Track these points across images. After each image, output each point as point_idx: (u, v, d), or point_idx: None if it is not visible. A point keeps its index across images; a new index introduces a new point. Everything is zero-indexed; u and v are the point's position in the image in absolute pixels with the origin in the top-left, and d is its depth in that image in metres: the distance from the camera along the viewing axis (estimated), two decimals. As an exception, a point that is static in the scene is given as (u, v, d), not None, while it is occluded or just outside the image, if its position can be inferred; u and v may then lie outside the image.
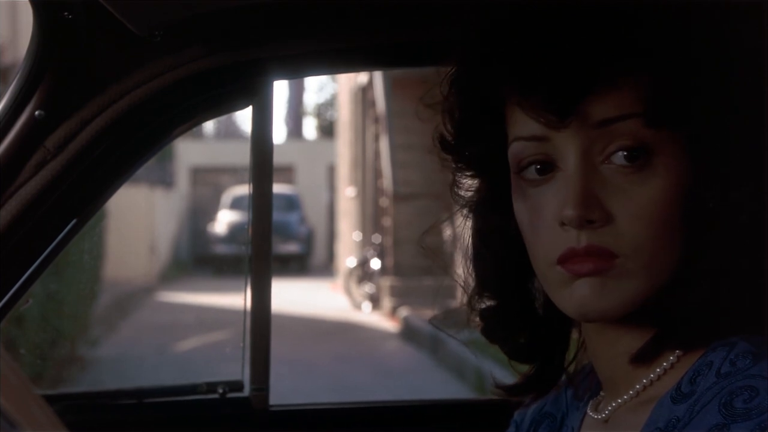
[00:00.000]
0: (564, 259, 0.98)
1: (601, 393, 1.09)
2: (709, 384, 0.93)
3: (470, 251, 1.12)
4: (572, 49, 0.96)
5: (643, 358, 1.00)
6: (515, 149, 1.01)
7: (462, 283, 1.14)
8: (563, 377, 1.15)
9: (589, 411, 1.09)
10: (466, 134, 1.06)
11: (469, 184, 1.12)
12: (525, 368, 1.15)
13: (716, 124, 0.97)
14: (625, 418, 1.02)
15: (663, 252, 0.97)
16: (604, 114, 0.96)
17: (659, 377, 1.00)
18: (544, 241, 0.99)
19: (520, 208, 1.02)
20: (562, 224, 0.97)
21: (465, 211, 1.13)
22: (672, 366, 0.99)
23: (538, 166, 1.00)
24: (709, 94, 0.97)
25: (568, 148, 0.98)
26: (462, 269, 1.14)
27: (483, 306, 1.12)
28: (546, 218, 0.99)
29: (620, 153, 0.97)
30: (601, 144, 0.97)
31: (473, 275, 1.12)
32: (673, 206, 0.96)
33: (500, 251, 1.08)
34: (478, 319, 1.13)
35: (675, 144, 0.96)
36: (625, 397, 1.02)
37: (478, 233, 1.12)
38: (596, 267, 0.96)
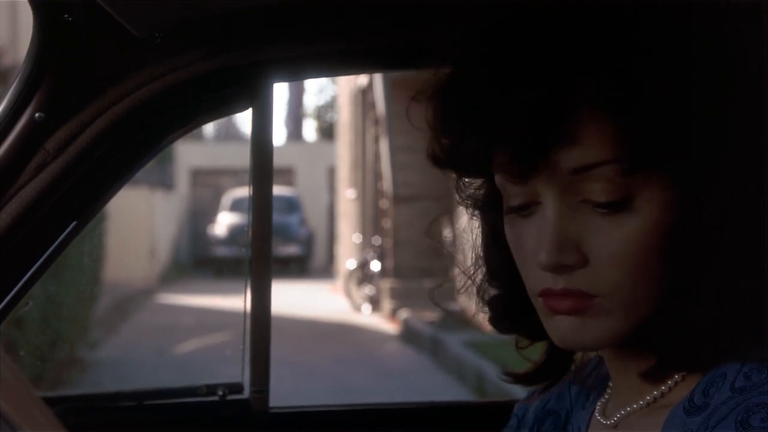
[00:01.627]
0: (543, 295, 0.98)
1: (608, 391, 1.08)
2: (724, 398, 0.92)
3: (478, 244, 1.12)
4: (534, 101, 0.92)
5: (652, 377, 1.00)
6: (499, 181, 1.00)
7: (470, 276, 1.13)
8: (572, 368, 1.14)
9: (596, 414, 1.08)
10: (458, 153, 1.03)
11: (471, 182, 1.11)
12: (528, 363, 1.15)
13: (705, 158, 0.94)
14: (636, 425, 1.01)
15: (643, 288, 0.96)
16: (575, 163, 0.94)
17: (671, 389, 0.99)
18: (527, 272, 1.00)
19: (508, 232, 1.02)
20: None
21: (470, 209, 1.12)
22: (683, 378, 0.99)
23: (520, 203, 0.99)
24: (697, 131, 0.94)
25: (545, 189, 0.96)
26: (470, 261, 1.14)
27: (491, 296, 1.11)
28: (527, 252, 0.99)
29: (595, 197, 0.95)
30: (577, 186, 0.95)
31: (481, 267, 1.12)
32: (654, 243, 0.95)
33: (507, 245, 1.08)
34: (486, 308, 1.12)
35: (657, 182, 0.94)
36: (641, 403, 1.01)
37: (485, 228, 1.11)
38: (574, 306, 0.97)
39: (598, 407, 1.08)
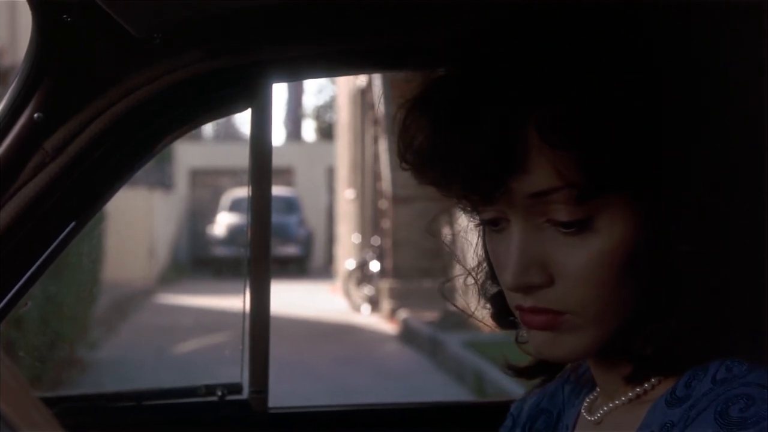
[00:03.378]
0: (518, 309, 1.00)
1: (596, 390, 1.09)
2: (705, 390, 0.93)
3: (478, 244, 1.12)
4: (485, 133, 0.93)
5: (633, 380, 1.01)
6: (472, 198, 1.00)
7: (472, 274, 1.14)
8: (568, 366, 1.15)
9: (583, 411, 1.09)
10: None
11: None
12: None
13: (670, 180, 0.94)
14: (619, 420, 1.02)
15: (613, 303, 0.97)
16: (531, 189, 0.94)
17: (654, 387, 1.00)
18: (503, 286, 1.02)
19: (486, 243, 1.04)
20: None
21: (467, 211, 1.12)
22: (666, 376, 0.99)
23: (490, 218, 1.00)
24: (661, 155, 0.94)
25: (509, 210, 0.97)
26: (470, 260, 1.15)
27: (492, 293, 1.12)
28: (500, 268, 1.01)
29: (558, 217, 0.96)
30: (540, 208, 0.96)
31: (482, 265, 1.12)
32: (619, 261, 0.95)
33: None
34: (488, 305, 1.13)
35: (618, 202, 0.95)
36: (623, 399, 1.02)
37: (483, 226, 1.12)
38: (545, 323, 0.98)
39: (585, 405, 1.09)
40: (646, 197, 0.95)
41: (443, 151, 0.96)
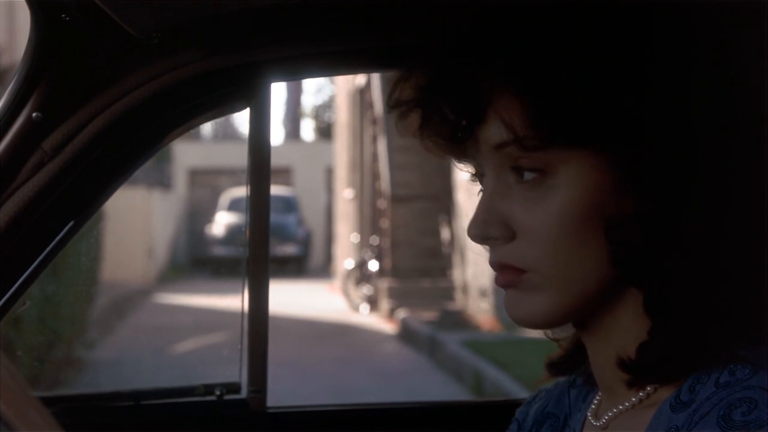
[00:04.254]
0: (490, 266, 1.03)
1: (600, 393, 1.09)
2: (708, 394, 0.93)
3: None
4: (456, 86, 0.98)
5: (632, 385, 1.01)
6: (447, 149, 1.04)
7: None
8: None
9: (589, 416, 1.09)
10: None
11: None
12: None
13: (655, 143, 0.94)
14: (625, 425, 1.01)
15: (573, 265, 0.97)
16: (492, 140, 0.98)
17: (656, 389, 0.99)
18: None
19: None
20: None
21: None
22: (662, 384, 0.99)
23: (474, 172, 1.03)
24: (628, 109, 0.94)
25: (485, 165, 1.01)
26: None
27: None
28: None
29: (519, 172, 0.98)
30: (504, 162, 0.98)
31: None
32: (577, 219, 0.96)
33: None
34: None
35: (580, 158, 0.95)
36: (626, 404, 1.01)
37: None
38: (506, 281, 1.00)
39: (591, 410, 1.09)
40: (621, 161, 0.95)
41: (420, 101, 1.01)
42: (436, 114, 1.00)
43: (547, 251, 0.97)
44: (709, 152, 0.95)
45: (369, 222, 16.41)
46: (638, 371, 0.99)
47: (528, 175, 0.97)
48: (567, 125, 0.95)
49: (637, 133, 0.95)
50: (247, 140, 1.62)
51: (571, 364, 1.14)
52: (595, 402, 1.09)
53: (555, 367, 1.15)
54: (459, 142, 1.00)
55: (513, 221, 0.98)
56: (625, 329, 0.99)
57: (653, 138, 0.95)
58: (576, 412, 1.13)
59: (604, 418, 1.04)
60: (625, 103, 0.94)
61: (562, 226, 0.96)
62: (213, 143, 30.71)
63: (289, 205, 24.19)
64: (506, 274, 1.00)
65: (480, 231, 0.99)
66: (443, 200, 13.86)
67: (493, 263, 1.01)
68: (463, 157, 1.03)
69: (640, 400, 1.00)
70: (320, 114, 38.05)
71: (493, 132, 0.97)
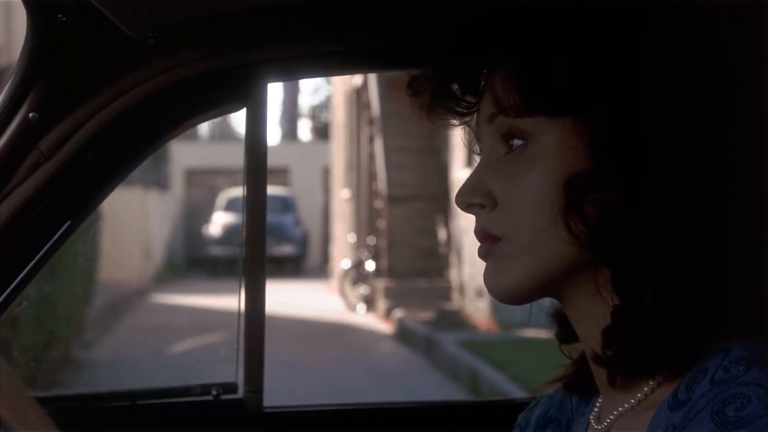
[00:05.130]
0: None
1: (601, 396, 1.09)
2: (704, 391, 0.93)
3: None
4: (458, 65, 1.05)
5: (626, 385, 1.02)
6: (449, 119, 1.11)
7: None
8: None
9: (591, 419, 1.09)
10: None
11: None
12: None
13: (616, 110, 0.97)
14: (626, 427, 1.02)
15: (546, 236, 0.99)
16: (486, 112, 1.04)
17: (653, 390, 1.00)
18: None
19: None
20: None
21: None
22: (664, 378, 0.99)
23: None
24: (611, 81, 0.97)
25: (483, 137, 1.06)
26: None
27: None
28: None
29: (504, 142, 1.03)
30: (496, 133, 1.04)
31: None
32: (556, 192, 0.99)
33: None
34: None
35: (559, 128, 0.99)
36: (626, 405, 1.02)
37: None
38: (483, 249, 1.04)
39: (593, 413, 1.09)
40: (583, 130, 0.98)
41: (433, 77, 1.08)
42: (445, 90, 1.06)
43: (522, 220, 1.00)
44: (681, 136, 0.96)
45: (366, 222, 16.41)
46: (605, 363, 1.00)
47: (515, 143, 1.01)
48: (544, 95, 0.99)
49: (610, 106, 0.97)
50: (243, 140, 1.62)
51: (582, 380, 1.13)
52: (598, 405, 1.10)
53: (566, 384, 1.15)
54: (463, 116, 1.07)
55: (497, 191, 1.02)
56: (603, 313, 1.00)
57: (626, 113, 0.97)
58: (579, 417, 1.13)
59: (606, 421, 1.04)
60: (600, 77, 0.98)
61: (539, 196, 0.99)
62: (210, 143, 30.69)
63: (286, 205, 24.18)
64: (484, 242, 1.03)
65: (464, 198, 1.04)
66: (440, 200, 13.86)
67: (476, 232, 1.04)
68: (460, 125, 1.09)
69: (639, 402, 1.00)
70: (317, 114, 38.03)
71: (487, 106, 1.04)
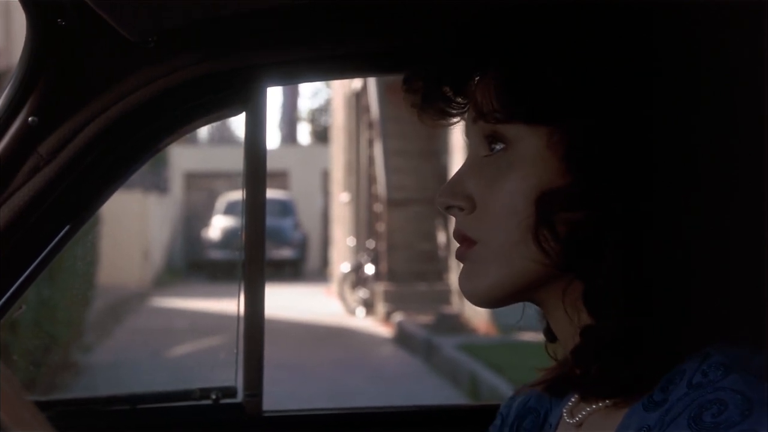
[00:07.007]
0: None
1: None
2: (681, 395, 0.93)
3: None
4: (452, 69, 1.05)
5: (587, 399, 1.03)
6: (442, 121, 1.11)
7: None
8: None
9: (564, 413, 1.09)
10: None
11: None
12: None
13: (593, 125, 0.97)
14: (598, 423, 1.02)
15: (517, 245, 1.00)
16: (470, 115, 1.05)
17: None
18: None
19: None
20: None
21: None
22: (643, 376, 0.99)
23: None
24: (593, 93, 0.97)
25: (469, 139, 1.06)
26: None
27: None
28: None
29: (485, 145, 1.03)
30: (480, 137, 1.04)
31: None
32: (526, 203, 0.99)
33: None
34: None
35: (538, 140, 0.99)
36: (600, 404, 1.02)
37: None
38: (459, 252, 1.05)
39: (567, 407, 1.10)
40: (559, 139, 0.98)
41: (426, 78, 1.08)
42: (436, 91, 1.06)
43: (497, 226, 1.01)
44: (661, 146, 0.96)
45: (365, 225, 16.41)
46: (574, 383, 1.01)
47: (496, 148, 1.02)
48: (520, 101, 0.99)
49: (588, 120, 0.97)
50: (243, 144, 1.62)
51: (563, 384, 1.13)
52: (573, 400, 1.10)
53: (546, 387, 1.15)
54: (453, 117, 1.08)
55: (475, 194, 1.03)
56: (576, 326, 1.01)
57: (605, 129, 0.96)
58: (555, 408, 1.14)
59: (578, 416, 1.05)
60: (583, 88, 0.97)
61: (513, 204, 1.00)
62: (209, 147, 30.69)
63: (286, 208, 24.17)
64: (460, 245, 1.04)
65: (444, 199, 1.04)
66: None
67: (454, 233, 1.05)
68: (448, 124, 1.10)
69: (614, 402, 1.00)
70: (316, 117, 38.04)
71: (472, 108, 1.04)
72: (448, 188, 1.04)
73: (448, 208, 1.05)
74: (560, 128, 0.98)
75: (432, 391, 8.76)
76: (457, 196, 1.04)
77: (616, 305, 0.96)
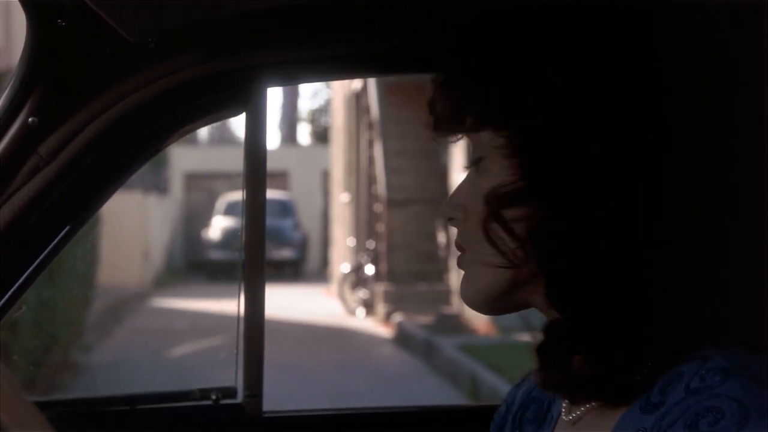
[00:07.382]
0: None
1: None
2: (678, 399, 0.93)
3: None
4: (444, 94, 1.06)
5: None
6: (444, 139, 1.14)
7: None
8: None
9: (562, 409, 1.09)
10: None
11: None
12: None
13: (545, 127, 0.97)
14: (594, 422, 1.02)
15: (495, 250, 1.01)
16: (461, 131, 1.07)
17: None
18: None
19: None
20: None
21: None
22: (642, 377, 0.98)
23: None
24: (545, 97, 0.98)
25: (471, 149, 1.07)
26: None
27: None
28: None
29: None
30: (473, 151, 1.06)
31: None
32: (492, 203, 1.01)
33: None
34: None
35: (502, 147, 1.01)
36: (593, 403, 1.02)
37: None
38: (457, 260, 1.08)
39: (564, 405, 1.09)
40: (526, 144, 0.99)
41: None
42: (460, 119, 1.06)
43: (473, 232, 1.03)
44: (660, 146, 0.96)
45: (365, 226, 16.41)
46: (547, 384, 1.03)
47: (477, 157, 1.04)
48: (474, 107, 1.02)
49: (537, 120, 0.98)
50: (243, 144, 1.62)
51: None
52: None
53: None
54: (443, 129, 1.08)
55: (465, 204, 1.06)
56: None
57: (551, 126, 0.97)
58: (558, 398, 1.14)
59: (574, 414, 1.05)
60: (531, 95, 0.98)
61: (487, 210, 1.02)
62: (209, 147, 30.69)
63: (286, 208, 24.18)
64: (459, 255, 1.07)
65: (444, 211, 1.07)
66: (439, 204, 13.84)
67: (455, 243, 1.09)
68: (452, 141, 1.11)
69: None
70: (316, 118, 38.04)
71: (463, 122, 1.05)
72: (448, 199, 1.08)
73: (449, 219, 1.08)
74: (512, 130, 1.00)
75: (432, 392, 8.76)
76: (453, 208, 1.07)
77: (573, 300, 0.98)
